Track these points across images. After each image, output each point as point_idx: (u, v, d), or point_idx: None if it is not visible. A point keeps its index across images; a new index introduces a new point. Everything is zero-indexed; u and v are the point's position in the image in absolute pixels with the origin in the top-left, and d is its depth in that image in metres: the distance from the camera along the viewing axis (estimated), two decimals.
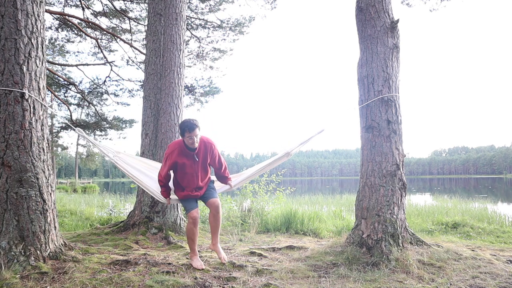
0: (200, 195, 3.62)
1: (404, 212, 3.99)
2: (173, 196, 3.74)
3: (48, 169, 3.51)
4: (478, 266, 3.48)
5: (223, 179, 3.82)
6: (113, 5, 11.57)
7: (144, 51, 10.18)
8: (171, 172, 3.65)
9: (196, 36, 12.79)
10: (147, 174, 4.01)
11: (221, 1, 11.92)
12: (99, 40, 12.26)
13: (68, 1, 11.49)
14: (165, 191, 3.65)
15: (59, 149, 26.99)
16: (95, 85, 13.85)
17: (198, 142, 3.40)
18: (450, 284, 3.07)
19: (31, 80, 3.39)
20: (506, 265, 3.55)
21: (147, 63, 5.82)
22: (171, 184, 3.71)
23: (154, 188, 3.80)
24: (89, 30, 12.22)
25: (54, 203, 3.57)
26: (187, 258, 3.74)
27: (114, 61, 12.90)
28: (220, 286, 2.99)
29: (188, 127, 3.31)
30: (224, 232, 5.60)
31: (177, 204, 5.27)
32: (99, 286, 2.86)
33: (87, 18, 11.73)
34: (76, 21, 11.64)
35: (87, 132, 15.81)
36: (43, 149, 3.47)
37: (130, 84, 19.66)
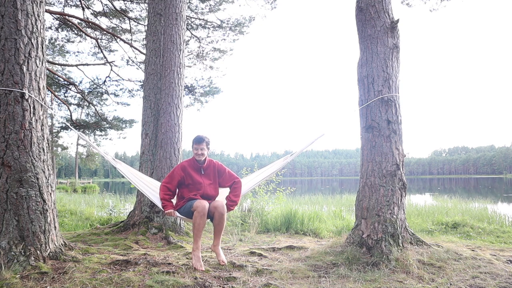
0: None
1: (404, 212, 3.99)
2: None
3: (48, 169, 3.51)
4: (478, 266, 3.48)
5: (233, 198, 3.76)
6: (113, 5, 11.56)
7: (144, 51, 10.17)
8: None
9: (196, 36, 12.78)
10: (146, 184, 4.05)
11: (221, 1, 11.91)
12: (99, 40, 12.25)
13: (68, 1, 11.49)
14: (171, 203, 3.62)
15: (59, 149, 26.96)
16: (95, 85, 13.84)
17: (204, 155, 3.68)
18: (450, 284, 3.07)
19: (31, 80, 3.39)
20: (506, 265, 3.56)
21: (147, 63, 5.83)
22: (173, 200, 3.73)
23: (152, 197, 3.86)
24: (89, 30, 12.21)
25: (54, 203, 3.57)
26: (187, 258, 3.74)
27: (114, 61, 12.90)
28: (220, 286, 2.99)
29: (196, 139, 3.66)
30: (224, 232, 5.59)
31: None
32: (99, 286, 2.86)
33: (87, 18, 11.73)
34: (76, 21, 11.64)
35: (87, 132, 15.81)
36: (43, 149, 3.47)
37: (130, 84, 19.60)
